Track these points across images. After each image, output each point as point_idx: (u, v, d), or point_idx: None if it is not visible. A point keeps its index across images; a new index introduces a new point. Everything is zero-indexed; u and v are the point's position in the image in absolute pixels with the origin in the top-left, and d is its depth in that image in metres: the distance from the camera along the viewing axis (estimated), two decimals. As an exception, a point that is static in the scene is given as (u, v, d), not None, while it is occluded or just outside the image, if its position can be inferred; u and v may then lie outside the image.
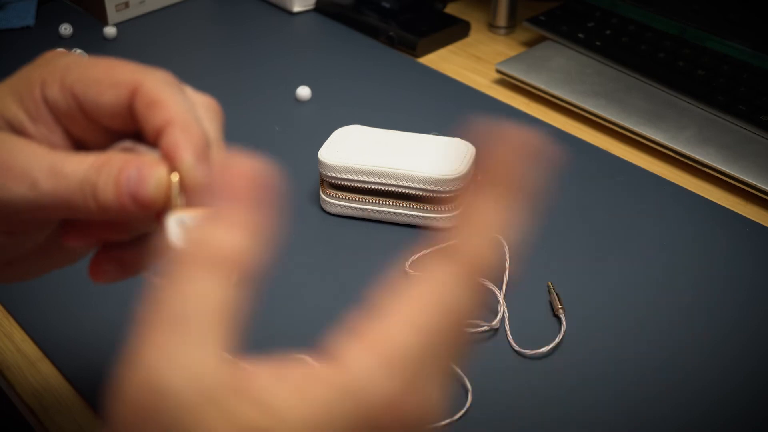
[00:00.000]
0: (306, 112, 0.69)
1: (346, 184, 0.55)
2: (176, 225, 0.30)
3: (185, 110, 0.32)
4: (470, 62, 0.77)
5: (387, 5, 0.81)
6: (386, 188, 0.55)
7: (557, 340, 0.47)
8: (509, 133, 0.29)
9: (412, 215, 0.55)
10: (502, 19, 0.81)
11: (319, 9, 0.84)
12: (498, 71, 0.73)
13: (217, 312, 0.26)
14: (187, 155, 0.32)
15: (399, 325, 0.25)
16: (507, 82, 0.73)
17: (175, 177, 0.31)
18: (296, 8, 0.84)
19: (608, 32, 0.74)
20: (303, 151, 0.62)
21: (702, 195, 0.59)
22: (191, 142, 0.32)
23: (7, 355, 0.48)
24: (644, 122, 0.65)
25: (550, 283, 0.51)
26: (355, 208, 0.56)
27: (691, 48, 0.70)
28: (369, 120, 0.63)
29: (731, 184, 0.60)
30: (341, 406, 0.24)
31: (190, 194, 0.32)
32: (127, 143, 0.34)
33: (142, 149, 0.33)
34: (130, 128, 0.34)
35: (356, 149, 0.56)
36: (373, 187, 0.55)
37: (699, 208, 0.58)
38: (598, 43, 0.73)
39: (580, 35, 0.74)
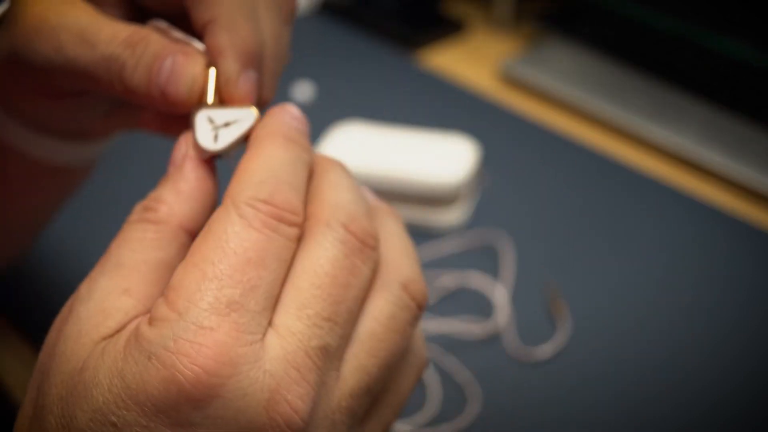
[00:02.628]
0: (305, 110, 0.69)
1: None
2: (205, 122, 0.29)
3: (236, 6, 0.30)
4: (471, 61, 0.77)
5: (388, 4, 0.81)
6: (386, 188, 0.54)
7: (557, 340, 0.47)
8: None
9: (412, 216, 0.55)
10: (503, 19, 0.81)
11: (320, 8, 0.84)
12: (500, 70, 0.73)
13: (154, 270, 0.27)
14: (228, 61, 0.29)
15: None
16: (508, 81, 0.73)
17: (212, 71, 0.29)
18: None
19: (609, 32, 0.74)
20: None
21: (702, 195, 0.59)
22: (236, 46, 0.29)
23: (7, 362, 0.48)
24: (645, 122, 0.65)
25: (550, 284, 0.51)
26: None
27: (692, 47, 0.70)
28: (369, 119, 0.63)
29: (732, 184, 0.60)
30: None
31: (225, 97, 0.30)
32: (162, 24, 0.31)
33: (177, 35, 0.31)
34: (175, 10, 0.31)
35: (356, 147, 0.56)
36: (373, 187, 0.55)
37: (699, 209, 0.58)
38: (599, 43, 0.73)
39: (582, 34, 0.74)
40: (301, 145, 0.28)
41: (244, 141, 0.29)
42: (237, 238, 0.25)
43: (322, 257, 0.26)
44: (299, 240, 0.26)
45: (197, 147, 0.29)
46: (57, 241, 0.53)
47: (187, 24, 0.31)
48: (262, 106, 0.31)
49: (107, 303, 0.25)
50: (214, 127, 0.29)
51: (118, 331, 0.25)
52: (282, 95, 0.70)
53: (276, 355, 0.24)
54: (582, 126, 0.67)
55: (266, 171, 0.26)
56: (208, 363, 0.23)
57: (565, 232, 0.56)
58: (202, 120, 0.29)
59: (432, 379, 0.45)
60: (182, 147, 0.29)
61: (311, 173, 0.29)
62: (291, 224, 0.26)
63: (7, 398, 0.48)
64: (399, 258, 0.29)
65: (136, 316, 0.25)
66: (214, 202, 0.29)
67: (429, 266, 0.52)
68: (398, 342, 0.27)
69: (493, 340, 0.48)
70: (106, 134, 0.38)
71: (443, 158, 0.55)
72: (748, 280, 0.52)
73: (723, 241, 0.55)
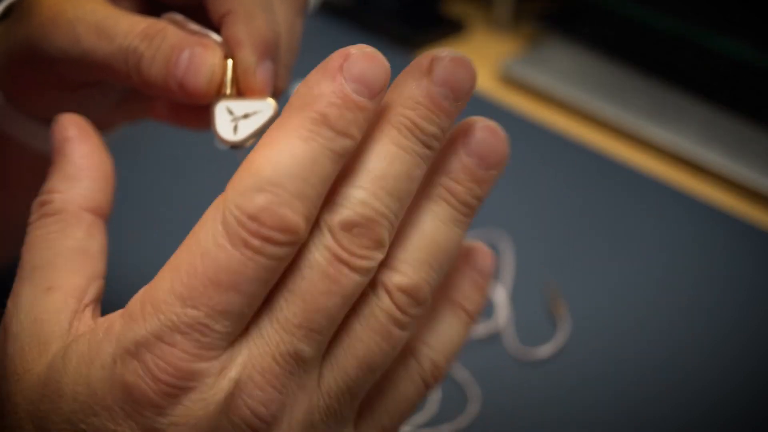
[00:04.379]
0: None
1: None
2: (224, 113, 0.29)
3: None
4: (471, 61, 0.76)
5: (388, 4, 0.81)
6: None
7: (557, 340, 0.47)
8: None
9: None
10: (503, 18, 0.81)
11: (320, 8, 0.84)
12: (500, 70, 0.73)
13: (70, 260, 0.26)
14: (246, 52, 0.29)
15: None
16: (508, 80, 0.73)
17: (230, 63, 0.29)
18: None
19: (609, 32, 0.74)
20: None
21: (702, 195, 0.59)
22: (253, 37, 0.29)
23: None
24: (645, 122, 0.65)
25: (550, 284, 0.51)
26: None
27: (692, 47, 0.70)
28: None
29: (732, 184, 0.60)
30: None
31: (244, 88, 0.30)
32: (178, 16, 0.31)
33: (194, 27, 0.31)
34: (190, 2, 0.32)
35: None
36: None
37: (699, 209, 0.58)
38: (599, 43, 0.73)
39: (582, 34, 0.74)
40: (337, 129, 0.23)
41: (263, 132, 0.29)
42: (212, 253, 0.23)
43: (303, 263, 0.24)
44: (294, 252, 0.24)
45: (217, 138, 0.29)
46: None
47: (201, 16, 0.31)
48: (276, 96, 0.31)
49: (36, 309, 0.25)
50: (234, 119, 0.29)
51: (61, 333, 0.25)
52: (283, 95, 0.70)
53: (242, 361, 0.23)
54: (582, 126, 0.67)
55: (270, 173, 0.23)
56: (167, 377, 0.23)
57: (565, 232, 0.56)
58: (221, 111, 0.29)
59: (432, 379, 0.45)
60: (58, 131, 0.28)
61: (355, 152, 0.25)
62: (281, 245, 0.23)
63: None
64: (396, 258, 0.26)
65: (72, 310, 0.25)
66: (109, 170, 0.28)
67: (429, 266, 0.52)
68: (379, 343, 0.25)
69: (493, 339, 0.48)
70: (113, 126, 0.38)
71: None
72: (748, 280, 0.52)
73: (723, 241, 0.55)
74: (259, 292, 0.23)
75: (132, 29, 0.29)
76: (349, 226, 0.24)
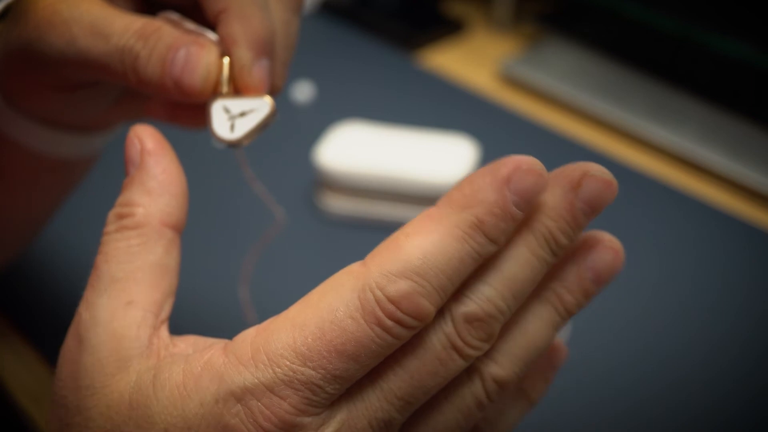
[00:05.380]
0: (304, 110, 0.69)
1: (344, 184, 0.55)
2: (221, 112, 0.29)
3: None
4: (471, 61, 0.77)
5: (388, 4, 0.81)
6: (386, 188, 0.54)
7: (557, 340, 0.47)
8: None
9: (412, 216, 0.55)
10: (503, 18, 0.81)
11: (320, 8, 0.84)
12: (500, 70, 0.73)
13: (150, 275, 0.26)
14: (242, 50, 0.29)
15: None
16: (508, 80, 0.73)
17: (226, 61, 0.29)
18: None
19: (609, 32, 0.74)
20: (301, 150, 0.62)
21: (702, 195, 0.59)
22: (249, 34, 0.29)
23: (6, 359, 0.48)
24: (645, 122, 0.65)
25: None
26: (354, 209, 0.56)
27: (692, 47, 0.70)
28: (369, 119, 0.63)
29: (732, 184, 0.60)
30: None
31: (240, 86, 0.30)
32: (173, 15, 0.31)
33: (189, 26, 0.31)
34: (185, 1, 0.32)
35: (356, 147, 0.56)
36: (373, 187, 0.55)
37: (699, 209, 0.58)
38: (598, 43, 0.73)
39: (581, 34, 0.74)
40: (489, 236, 0.24)
41: (260, 130, 0.29)
42: (343, 324, 0.23)
43: (420, 343, 0.25)
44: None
45: (214, 136, 0.29)
46: (57, 241, 0.53)
47: (197, 15, 0.31)
48: (273, 94, 0.31)
49: (116, 323, 0.25)
50: (230, 117, 0.29)
51: (141, 350, 0.25)
52: (282, 95, 0.70)
53: (340, 420, 0.24)
54: (582, 126, 0.67)
55: (419, 263, 0.23)
56: (270, 426, 0.23)
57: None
58: (217, 110, 0.29)
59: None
60: (135, 143, 0.28)
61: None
62: (410, 328, 0.24)
63: (7, 398, 0.48)
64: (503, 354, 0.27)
65: (151, 326, 0.25)
66: (185, 186, 0.28)
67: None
68: (460, 422, 0.27)
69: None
70: (110, 125, 0.38)
71: (443, 158, 0.55)
72: (747, 280, 0.52)
73: (723, 241, 0.55)
74: (374, 364, 0.24)
75: (127, 28, 0.29)
76: (471, 319, 0.25)
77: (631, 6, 0.75)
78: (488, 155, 0.60)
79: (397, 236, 0.24)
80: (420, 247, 0.24)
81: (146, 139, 0.28)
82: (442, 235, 0.24)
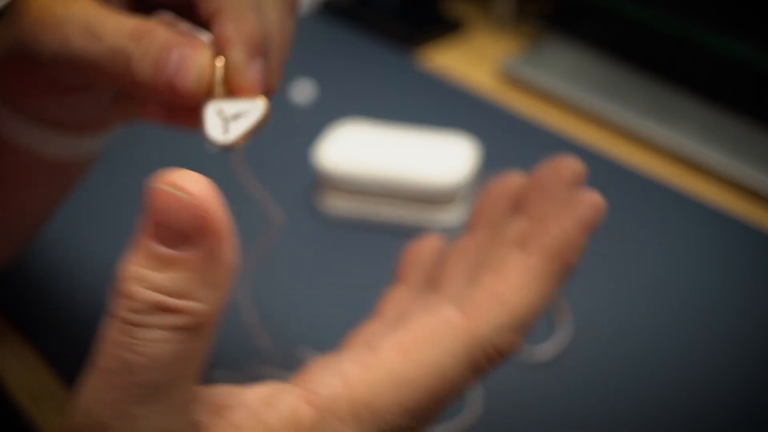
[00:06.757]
0: (304, 110, 0.69)
1: (344, 184, 0.55)
2: (215, 114, 0.28)
3: None
4: (471, 61, 0.77)
5: (388, 4, 0.81)
6: (386, 188, 0.54)
7: (558, 340, 0.47)
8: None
9: (412, 215, 0.55)
10: (503, 18, 0.81)
11: (320, 8, 0.84)
12: (500, 70, 0.73)
13: (196, 376, 0.23)
14: (236, 51, 0.29)
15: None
16: (508, 80, 0.73)
17: (220, 62, 0.29)
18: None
19: (609, 32, 0.74)
20: (301, 150, 0.62)
21: (702, 195, 0.59)
22: (243, 36, 0.29)
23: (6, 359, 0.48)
24: (645, 122, 0.65)
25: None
26: (354, 209, 0.56)
27: (693, 47, 0.70)
28: (369, 118, 0.63)
29: (732, 184, 0.60)
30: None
31: (234, 87, 0.29)
32: (167, 16, 0.31)
33: (183, 26, 0.30)
34: (180, 2, 0.31)
35: (355, 147, 0.56)
36: (373, 187, 0.55)
37: (699, 209, 0.58)
38: (599, 43, 0.73)
39: (582, 34, 0.74)
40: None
41: (254, 133, 0.29)
42: (453, 380, 0.25)
43: None
44: None
45: (207, 139, 0.28)
46: (57, 241, 0.53)
47: (192, 16, 0.31)
48: (268, 95, 0.31)
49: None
50: (224, 119, 0.28)
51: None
52: (282, 95, 0.70)
53: None
54: (582, 126, 0.67)
55: (526, 316, 0.26)
56: None
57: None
58: (211, 112, 0.28)
59: (432, 379, 0.45)
60: (198, 209, 0.21)
61: None
62: (493, 363, 0.26)
63: (7, 398, 0.48)
64: None
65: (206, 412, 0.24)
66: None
67: (429, 266, 0.52)
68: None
69: (494, 340, 0.48)
70: (107, 127, 0.38)
71: (443, 158, 0.55)
72: (747, 280, 0.52)
73: (723, 241, 0.55)
74: None
75: (121, 29, 0.29)
76: (496, 336, 0.27)
77: (631, 6, 0.74)
78: (488, 155, 0.60)
79: (496, 286, 0.26)
80: (526, 300, 0.26)
81: (213, 210, 0.21)
82: (543, 288, 0.26)
